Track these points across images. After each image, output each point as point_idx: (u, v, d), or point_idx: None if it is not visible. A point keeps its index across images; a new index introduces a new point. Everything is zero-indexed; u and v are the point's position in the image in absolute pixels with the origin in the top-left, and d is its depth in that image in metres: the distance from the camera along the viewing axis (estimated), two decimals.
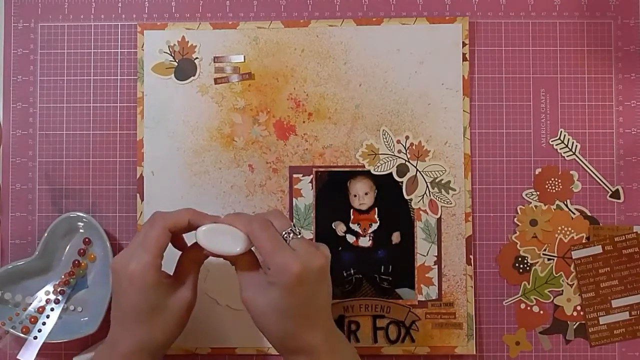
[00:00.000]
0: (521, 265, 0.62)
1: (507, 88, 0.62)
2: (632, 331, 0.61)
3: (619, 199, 0.62)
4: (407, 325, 0.61)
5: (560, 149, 0.62)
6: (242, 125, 0.62)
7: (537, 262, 0.62)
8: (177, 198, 0.62)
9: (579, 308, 0.62)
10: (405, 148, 0.62)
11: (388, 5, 0.63)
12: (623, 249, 0.61)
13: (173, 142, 0.62)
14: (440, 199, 0.61)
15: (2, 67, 0.64)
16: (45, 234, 0.60)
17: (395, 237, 0.62)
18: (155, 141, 0.62)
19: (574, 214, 0.62)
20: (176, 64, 0.62)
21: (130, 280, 0.49)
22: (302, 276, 0.47)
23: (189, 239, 0.53)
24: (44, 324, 0.60)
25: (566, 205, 0.62)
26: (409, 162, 0.62)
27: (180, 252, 0.54)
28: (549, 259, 0.62)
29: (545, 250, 0.62)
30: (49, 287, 0.61)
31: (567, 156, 0.62)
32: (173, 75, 0.62)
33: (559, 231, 0.62)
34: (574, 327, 0.62)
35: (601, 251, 0.61)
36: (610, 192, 0.62)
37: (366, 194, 0.62)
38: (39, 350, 0.59)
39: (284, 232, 0.50)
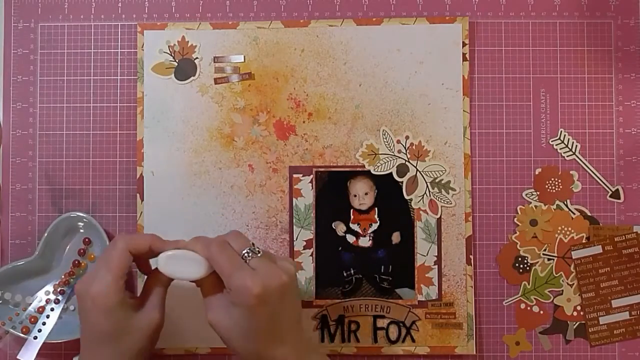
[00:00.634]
0: (521, 265, 0.62)
1: (507, 88, 0.62)
2: (632, 331, 0.61)
3: (619, 199, 0.62)
4: (407, 325, 0.61)
5: (560, 149, 0.62)
6: (242, 125, 0.62)
7: (537, 262, 0.62)
8: (177, 198, 0.62)
9: (579, 308, 0.62)
10: (405, 148, 0.62)
11: (388, 5, 0.63)
12: (623, 249, 0.61)
13: (173, 142, 0.62)
14: (440, 199, 0.61)
15: (2, 67, 0.64)
16: (45, 234, 0.60)
17: (395, 237, 0.62)
18: (155, 141, 0.62)
19: (574, 214, 0.62)
20: (176, 64, 0.62)
21: (93, 302, 0.49)
22: (263, 296, 0.47)
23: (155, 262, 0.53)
24: (44, 324, 0.60)
25: (566, 205, 0.62)
26: (409, 162, 0.62)
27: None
28: (549, 259, 0.62)
29: (545, 250, 0.62)
30: (49, 287, 0.61)
31: (567, 156, 0.62)
32: (173, 75, 0.62)
33: (559, 231, 0.62)
34: (574, 327, 0.62)
35: (601, 251, 0.61)
36: (610, 192, 0.62)
37: (366, 194, 0.62)
38: (39, 350, 0.59)
39: (243, 252, 0.49)
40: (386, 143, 0.62)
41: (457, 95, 0.62)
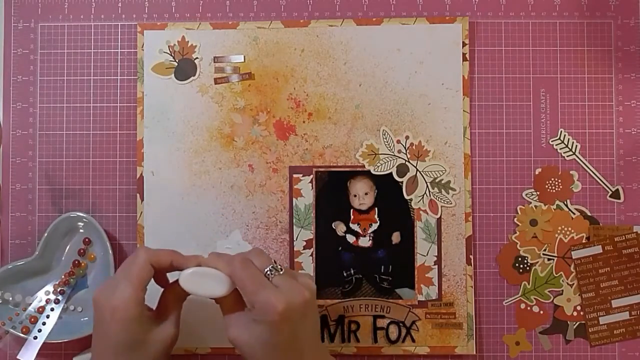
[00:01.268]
0: (521, 265, 0.62)
1: (507, 88, 0.62)
2: (632, 331, 0.61)
3: (619, 199, 0.62)
4: (407, 325, 0.61)
5: (560, 149, 0.62)
6: (242, 125, 0.62)
7: (537, 262, 0.62)
8: (177, 198, 0.62)
9: (579, 308, 0.62)
10: (405, 148, 0.62)
11: (388, 5, 0.63)
12: (623, 249, 0.61)
13: (173, 142, 0.62)
14: (440, 199, 0.61)
15: (2, 67, 0.64)
16: (45, 234, 0.60)
17: (395, 237, 0.62)
18: (155, 141, 0.62)
19: (574, 214, 0.62)
20: (176, 64, 0.62)
21: (112, 313, 0.49)
22: (286, 313, 0.47)
23: (171, 276, 0.54)
24: (44, 324, 0.60)
25: (566, 205, 0.62)
26: (409, 162, 0.62)
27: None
28: (549, 259, 0.62)
29: (545, 250, 0.62)
30: (49, 287, 0.62)
31: (567, 156, 0.62)
32: (173, 75, 0.62)
33: (559, 231, 0.62)
34: (574, 327, 0.62)
35: (601, 251, 0.61)
36: (610, 192, 0.62)
37: (366, 194, 0.62)
38: (39, 350, 0.59)
39: (266, 270, 0.50)
40: (386, 143, 0.62)
41: (457, 95, 0.62)
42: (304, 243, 0.62)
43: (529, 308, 0.62)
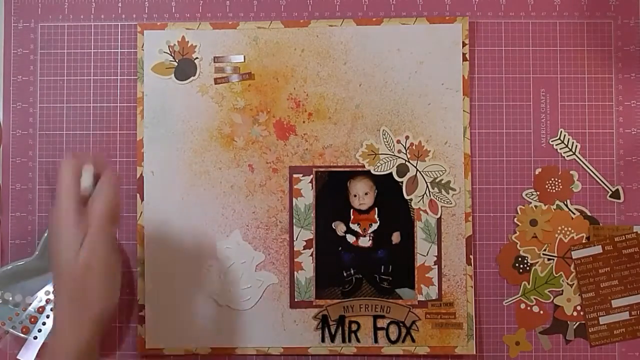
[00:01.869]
0: (521, 265, 0.62)
1: (507, 88, 0.62)
2: (632, 331, 0.61)
3: (619, 199, 0.62)
4: (407, 325, 0.61)
5: (560, 149, 0.62)
6: (242, 125, 0.62)
7: (537, 262, 0.62)
8: (177, 198, 0.62)
9: (579, 308, 0.62)
10: (405, 148, 0.62)
11: (388, 5, 0.63)
12: (623, 249, 0.61)
13: (173, 142, 0.62)
14: (440, 199, 0.61)
15: (2, 67, 0.64)
16: (45, 234, 0.60)
17: (395, 237, 0.62)
18: (155, 141, 0.62)
19: (574, 214, 0.62)
20: (176, 64, 0.62)
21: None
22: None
23: None
24: (44, 324, 0.60)
25: (566, 205, 0.62)
26: (409, 162, 0.62)
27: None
28: (549, 259, 0.62)
29: (545, 250, 0.62)
30: (49, 287, 0.61)
31: (567, 156, 0.62)
32: (173, 75, 0.62)
33: (559, 231, 0.62)
34: (574, 327, 0.62)
35: (601, 251, 0.61)
36: (610, 192, 0.62)
37: (366, 194, 0.62)
38: (39, 350, 0.59)
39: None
40: (386, 143, 0.62)
41: (457, 95, 0.62)
42: (304, 243, 0.62)
43: (529, 308, 0.62)
